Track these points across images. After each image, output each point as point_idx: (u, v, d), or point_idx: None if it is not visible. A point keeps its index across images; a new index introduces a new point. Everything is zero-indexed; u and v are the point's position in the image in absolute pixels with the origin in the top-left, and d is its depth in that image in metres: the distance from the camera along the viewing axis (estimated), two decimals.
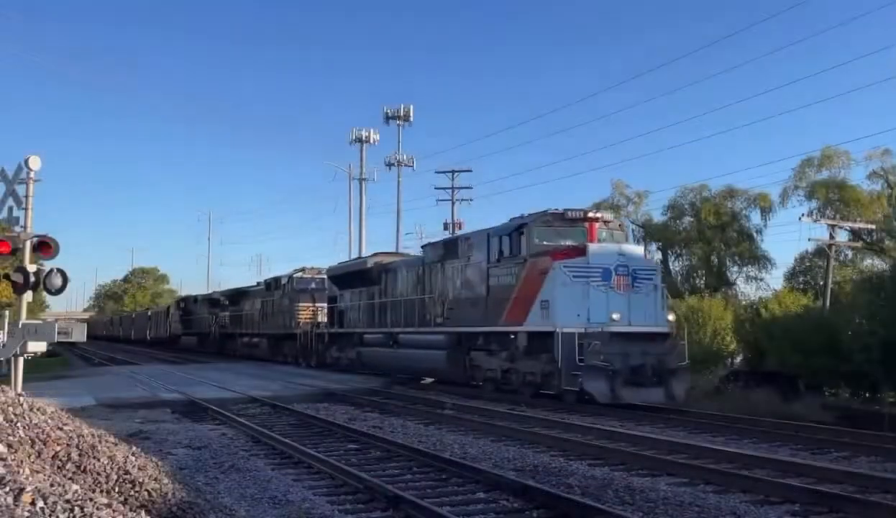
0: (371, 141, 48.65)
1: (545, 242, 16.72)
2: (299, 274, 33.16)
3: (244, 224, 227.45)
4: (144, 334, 65.59)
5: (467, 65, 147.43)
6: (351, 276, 26.59)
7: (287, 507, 7.06)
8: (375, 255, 26.99)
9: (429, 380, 22.12)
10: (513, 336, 16.84)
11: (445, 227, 48.81)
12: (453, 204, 48.96)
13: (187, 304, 52.99)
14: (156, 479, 6.36)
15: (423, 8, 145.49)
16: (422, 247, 22.47)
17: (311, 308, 31.43)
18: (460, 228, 47.63)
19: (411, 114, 47.46)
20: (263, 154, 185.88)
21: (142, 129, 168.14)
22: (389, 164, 48.06)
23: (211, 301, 46.74)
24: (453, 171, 49.00)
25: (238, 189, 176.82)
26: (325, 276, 30.79)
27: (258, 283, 39.33)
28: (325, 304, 29.74)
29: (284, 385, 20.57)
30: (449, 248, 20.47)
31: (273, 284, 35.52)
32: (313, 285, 32.16)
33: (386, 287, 23.87)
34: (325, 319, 29.56)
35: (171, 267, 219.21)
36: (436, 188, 48.07)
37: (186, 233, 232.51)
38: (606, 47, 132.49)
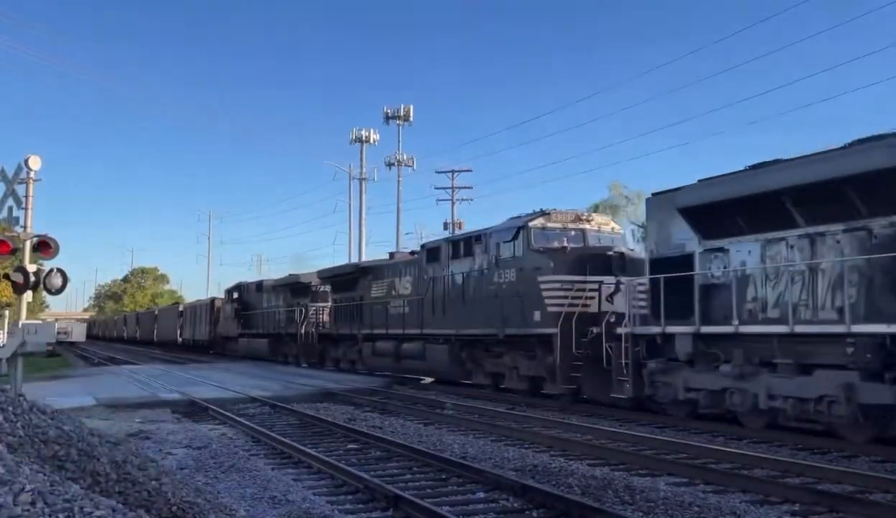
0: (371, 141, 48.77)
1: None
2: (539, 221, 16.79)
3: (244, 224, 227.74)
4: (173, 336, 52.49)
5: (467, 65, 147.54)
6: (794, 197, 11.15)
7: (287, 507, 7.06)
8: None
9: (428, 379, 21.99)
10: None
11: (445, 226, 48.92)
12: (453, 204, 49.08)
13: (244, 294, 38.92)
14: (156, 479, 6.36)
15: (424, 8, 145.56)
16: None
17: (578, 287, 15.61)
18: (460, 228, 47.71)
19: (411, 114, 47.62)
20: (263, 154, 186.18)
21: (142, 129, 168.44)
22: (389, 164, 48.20)
23: (295, 287, 32.18)
24: (453, 171, 49.14)
25: (238, 189, 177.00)
26: (606, 230, 17.56)
27: (392, 254, 26.14)
28: (635, 279, 14.75)
29: (284, 385, 20.57)
30: None
31: (457, 247, 19.31)
32: (564, 241, 16.49)
33: None
34: (638, 307, 14.21)
35: (171, 267, 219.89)
36: (436, 188, 48.14)
37: (186, 233, 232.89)
38: (606, 47, 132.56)
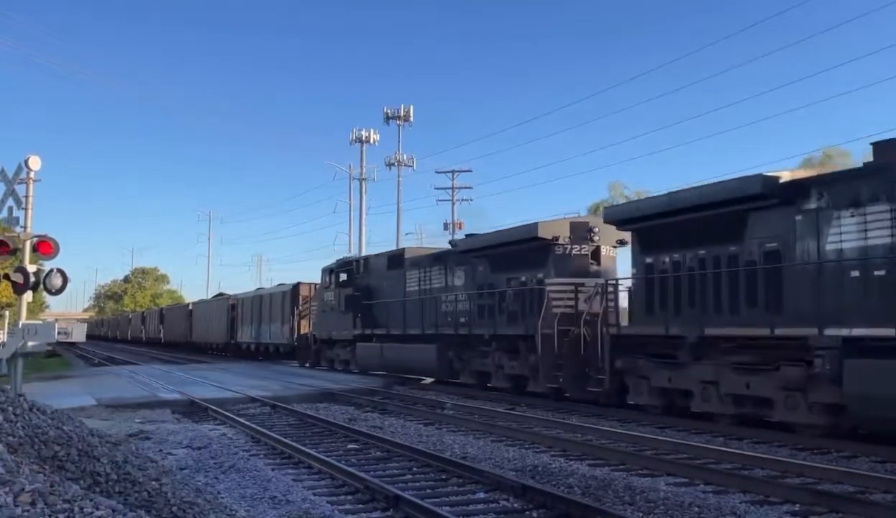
0: (371, 141, 48.77)
1: None
2: None
3: (244, 224, 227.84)
4: (222, 338, 41.22)
5: (467, 65, 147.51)
6: None
7: (287, 507, 7.06)
8: None
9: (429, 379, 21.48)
10: None
11: (445, 227, 48.99)
12: (453, 204, 49.13)
13: (359, 274, 25.15)
14: (156, 480, 6.36)
15: (424, 8, 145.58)
16: None
17: None
18: (460, 228, 47.73)
19: (411, 114, 47.67)
20: (264, 154, 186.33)
21: (142, 129, 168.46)
22: (389, 164, 48.23)
23: (503, 254, 18.31)
24: (453, 171, 49.26)
25: (238, 189, 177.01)
26: None
27: None
28: None
29: (284, 385, 20.56)
30: None
31: None
32: None
33: None
34: None
35: (170, 267, 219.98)
36: (436, 188, 48.23)
37: (186, 233, 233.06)
38: (606, 48, 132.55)
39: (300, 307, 31.63)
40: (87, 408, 14.62)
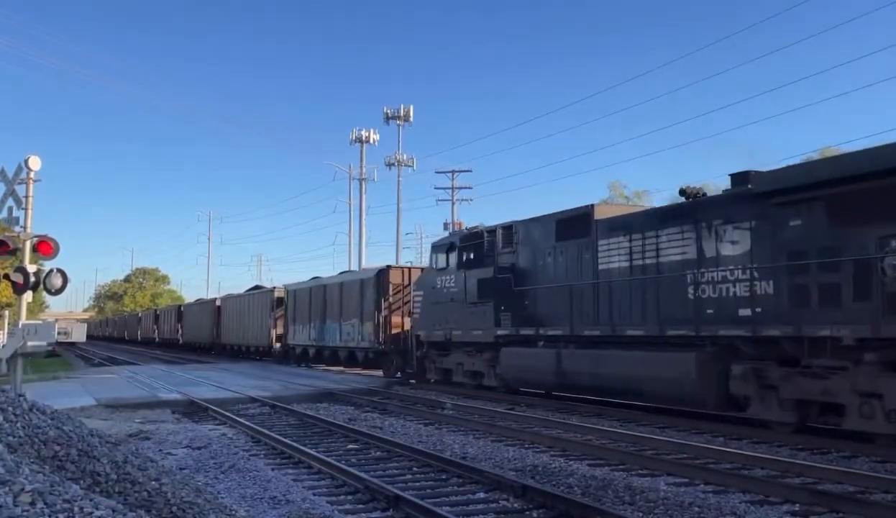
0: (371, 141, 48.80)
1: None
2: None
3: (244, 224, 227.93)
4: (264, 339, 35.33)
5: (467, 65, 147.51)
6: None
7: (287, 507, 7.06)
8: None
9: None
10: None
11: (445, 226, 49.00)
12: (453, 204, 49.16)
13: (497, 251, 17.70)
14: (156, 480, 6.35)
15: (424, 8, 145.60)
16: None
17: None
18: (460, 228, 47.74)
19: (411, 114, 47.72)
20: (263, 154, 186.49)
21: (142, 130, 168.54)
22: (389, 164, 48.28)
23: None
24: (453, 171, 49.30)
25: (238, 189, 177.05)
26: None
27: None
28: None
29: (284, 385, 20.57)
30: None
31: None
32: None
33: None
34: None
35: (170, 267, 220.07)
36: (436, 188, 48.24)
37: (186, 233, 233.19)
38: (606, 48, 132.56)
39: (389, 298, 24.19)
40: (87, 408, 14.63)
